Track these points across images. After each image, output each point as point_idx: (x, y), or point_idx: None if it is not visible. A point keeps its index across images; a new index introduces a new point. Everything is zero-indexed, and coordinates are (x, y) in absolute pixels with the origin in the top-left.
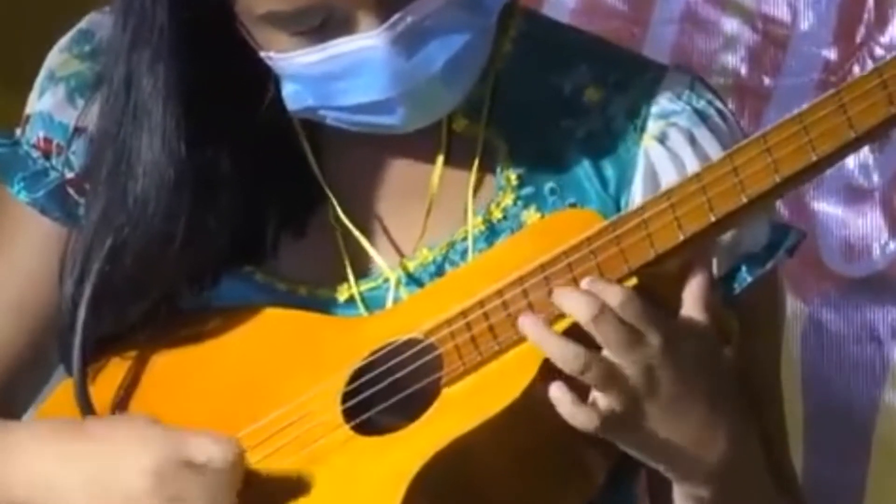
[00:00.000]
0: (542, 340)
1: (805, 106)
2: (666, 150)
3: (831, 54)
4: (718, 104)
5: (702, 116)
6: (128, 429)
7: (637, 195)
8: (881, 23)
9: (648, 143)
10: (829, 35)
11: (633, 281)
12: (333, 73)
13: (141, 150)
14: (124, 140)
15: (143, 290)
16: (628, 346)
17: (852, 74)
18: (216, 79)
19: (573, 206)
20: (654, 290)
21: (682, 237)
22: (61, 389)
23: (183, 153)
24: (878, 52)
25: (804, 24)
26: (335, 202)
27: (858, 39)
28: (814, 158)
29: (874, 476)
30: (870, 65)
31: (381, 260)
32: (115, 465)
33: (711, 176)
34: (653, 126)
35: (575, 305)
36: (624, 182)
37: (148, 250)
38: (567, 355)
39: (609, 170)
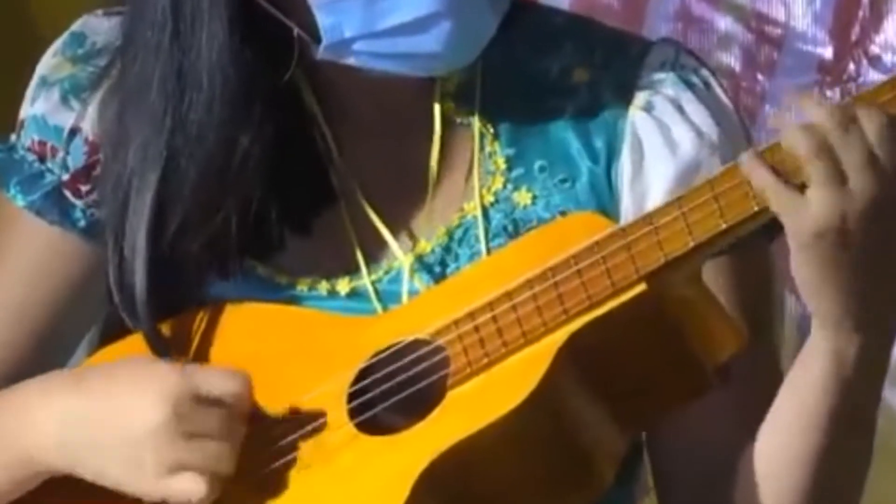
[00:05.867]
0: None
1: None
2: (652, 119)
3: (826, 53)
4: (704, 72)
5: (687, 84)
6: (134, 368)
7: (625, 165)
8: (876, 21)
9: (635, 114)
10: (825, 34)
11: (643, 287)
12: None
13: (201, 55)
14: (176, 57)
15: (211, 207)
16: (865, 164)
17: (847, 73)
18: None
19: (563, 181)
20: (663, 298)
21: (692, 243)
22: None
23: (244, 55)
24: (874, 50)
25: (799, 23)
26: (358, 189)
27: (853, 38)
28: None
29: (872, 475)
30: (865, 64)
31: (395, 245)
32: (128, 405)
33: (723, 185)
34: (639, 97)
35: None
36: (613, 153)
37: (211, 164)
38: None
39: (598, 142)
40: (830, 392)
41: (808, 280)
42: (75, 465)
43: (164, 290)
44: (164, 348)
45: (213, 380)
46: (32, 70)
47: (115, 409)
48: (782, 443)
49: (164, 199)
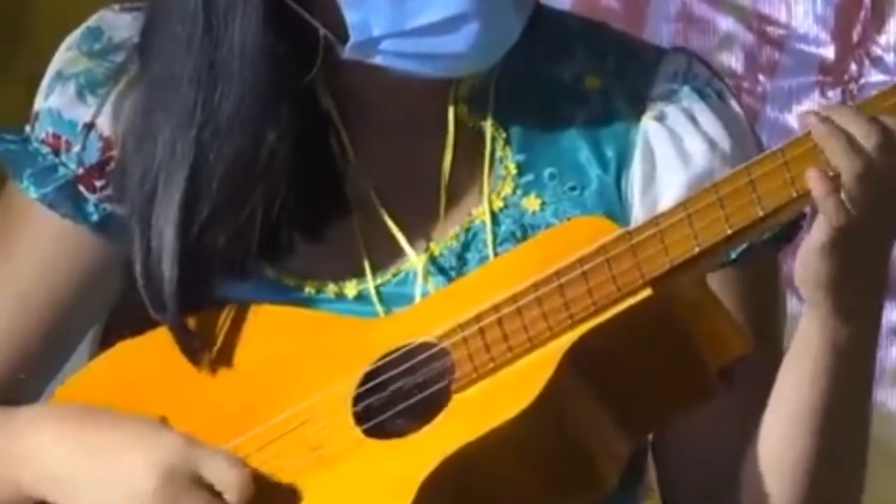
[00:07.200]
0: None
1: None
2: (665, 129)
3: (828, 54)
4: (717, 83)
5: (701, 95)
6: (138, 428)
7: (636, 175)
8: (878, 22)
9: (647, 123)
10: (826, 34)
11: (648, 292)
12: None
13: (234, 48)
14: (207, 50)
15: (238, 202)
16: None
17: (849, 73)
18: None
19: (573, 189)
20: (668, 303)
21: (697, 249)
22: (77, 377)
23: (276, 50)
24: (876, 51)
25: (800, 24)
26: (372, 191)
27: (855, 39)
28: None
29: (868, 477)
30: (867, 65)
31: (408, 248)
32: (122, 460)
33: (728, 187)
34: (652, 107)
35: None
36: (624, 162)
37: (239, 159)
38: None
39: (609, 151)
40: (831, 374)
41: (835, 275)
42: (62, 499)
43: (189, 285)
44: (189, 342)
45: (215, 465)
46: (31, 67)
47: (113, 463)
48: (784, 424)
49: (192, 192)
